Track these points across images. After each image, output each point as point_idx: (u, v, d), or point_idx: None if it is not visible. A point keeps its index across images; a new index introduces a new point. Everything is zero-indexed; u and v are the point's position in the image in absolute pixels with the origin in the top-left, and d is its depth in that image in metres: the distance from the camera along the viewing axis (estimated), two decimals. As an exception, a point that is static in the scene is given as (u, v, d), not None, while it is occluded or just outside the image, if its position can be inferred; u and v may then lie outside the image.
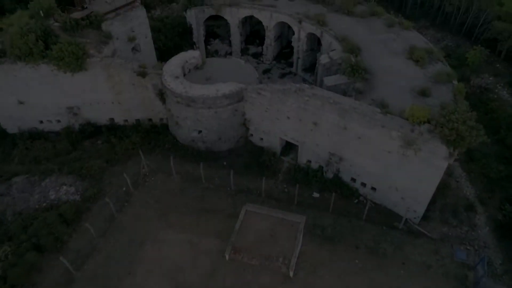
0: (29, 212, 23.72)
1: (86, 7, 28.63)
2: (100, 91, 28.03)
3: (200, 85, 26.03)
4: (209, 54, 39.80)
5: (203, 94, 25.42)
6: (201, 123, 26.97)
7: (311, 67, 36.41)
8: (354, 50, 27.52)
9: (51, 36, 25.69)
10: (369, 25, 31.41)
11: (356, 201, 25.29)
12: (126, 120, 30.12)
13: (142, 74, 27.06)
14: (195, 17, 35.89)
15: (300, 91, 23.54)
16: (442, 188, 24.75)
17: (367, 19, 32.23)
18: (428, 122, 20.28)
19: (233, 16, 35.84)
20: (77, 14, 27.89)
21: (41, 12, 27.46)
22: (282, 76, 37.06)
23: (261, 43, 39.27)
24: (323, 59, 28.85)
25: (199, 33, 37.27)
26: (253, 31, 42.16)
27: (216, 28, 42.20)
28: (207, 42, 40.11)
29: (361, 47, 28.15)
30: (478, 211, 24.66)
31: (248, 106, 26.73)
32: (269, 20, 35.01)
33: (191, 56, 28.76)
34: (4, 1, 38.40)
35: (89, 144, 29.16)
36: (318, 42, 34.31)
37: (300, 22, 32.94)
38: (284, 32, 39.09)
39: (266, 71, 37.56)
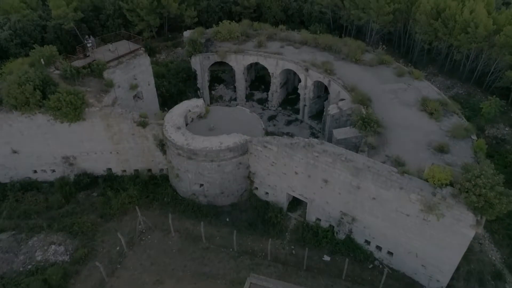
0: (12, 276, 21.55)
1: (89, 55, 28.00)
2: (98, 141, 26.72)
3: (203, 137, 24.67)
4: (213, 99, 38.99)
5: (205, 147, 23.99)
6: (203, 176, 25.36)
7: (318, 114, 35.31)
8: (365, 101, 26.37)
9: (50, 85, 24.76)
10: (378, 74, 30.53)
11: (371, 265, 23.01)
12: (124, 171, 28.58)
13: (143, 124, 25.87)
14: (199, 64, 35.34)
15: (309, 146, 22.05)
16: (465, 252, 22.57)
17: (375, 68, 31.44)
18: (451, 185, 18.55)
19: (239, 63, 35.25)
20: (78, 62, 27.19)
21: (42, 60, 26.79)
22: (288, 123, 35.86)
23: (266, 88, 38.54)
24: (332, 109, 27.68)
25: (203, 79, 36.60)
26: (258, 76, 41.61)
27: (221, 73, 41.73)
28: (211, 87, 39.42)
29: (372, 97, 27.04)
30: (507, 279, 22.28)
31: (253, 159, 25.20)
32: (275, 68, 34.34)
33: (194, 105, 27.68)
34: (10, 45, 38.25)
35: (84, 197, 27.40)
36: (325, 88, 33.44)
37: (307, 70, 32.18)
38: (290, 78, 38.42)
39: (271, 118, 36.43)
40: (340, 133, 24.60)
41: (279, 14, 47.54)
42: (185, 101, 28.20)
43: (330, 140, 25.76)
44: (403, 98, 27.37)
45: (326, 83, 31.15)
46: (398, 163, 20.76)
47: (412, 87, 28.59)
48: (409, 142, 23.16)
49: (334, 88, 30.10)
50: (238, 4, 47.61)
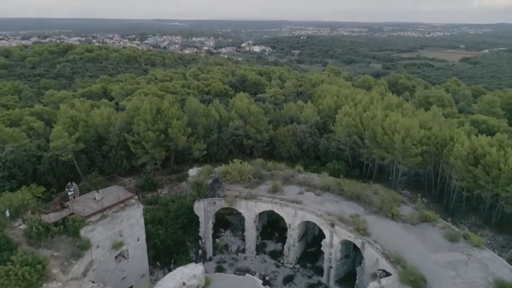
0: None
1: (67, 206, 22.91)
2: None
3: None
4: (217, 249, 32.55)
5: None
6: None
7: (347, 278, 28.20)
8: (419, 282, 19.74)
9: (4, 250, 18.99)
10: (424, 237, 24.48)
11: None
12: None
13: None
14: (203, 210, 30.11)
15: None
16: None
17: (418, 227, 25.60)
18: None
19: (250, 210, 29.94)
20: (52, 216, 21.91)
21: (7, 212, 21.67)
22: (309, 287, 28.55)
23: (281, 237, 32.40)
24: (372, 287, 20.88)
25: (206, 228, 30.87)
26: (271, 221, 35.82)
27: (227, 215, 36.20)
28: (215, 234, 33.34)
29: (425, 274, 20.47)
30: None
31: None
32: (293, 218, 28.78)
33: (191, 274, 21.19)
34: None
35: None
36: (355, 246, 27.11)
37: (332, 225, 26.43)
38: (310, 226, 32.51)
39: (288, 280, 29.30)
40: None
41: (293, 149, 44.37)
42: (180, 268, 21.78)
43: None
44: (467, 277, 20.70)
45: (358, 244, 24.98)
46: None
47: (473, 259, 22.18)
48: None
49: (371, 254, 23.77)
50: (250, 137, 45.02)
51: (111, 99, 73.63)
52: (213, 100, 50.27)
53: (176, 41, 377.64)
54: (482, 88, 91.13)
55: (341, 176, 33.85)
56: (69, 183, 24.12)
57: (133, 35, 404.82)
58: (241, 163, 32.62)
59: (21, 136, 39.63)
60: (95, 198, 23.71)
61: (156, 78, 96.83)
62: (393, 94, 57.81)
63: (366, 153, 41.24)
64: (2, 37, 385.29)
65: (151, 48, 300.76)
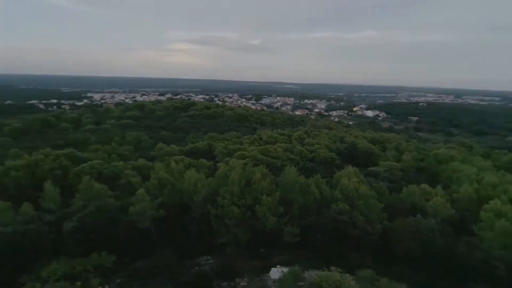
0: None
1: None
2: None
3: None
4: None
5: None
6: None
7: None
8: None
9: None
10: None
11: None
12: None
13: None
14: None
15: None
16: None
17: None
18: None
19: None
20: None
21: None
22: None
23: None
24: None
25: None
26: None
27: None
28: None
29: None
30: None
31: None
32: None
33: None
34: (69, 241, 31.91)
35: None
36: None
37: None
38: None
39: None
40: None
41: (414, 249, 33.21)
42: None
43: None
44: None
45: None
46: None
47: None
48: None
49: None
50: (357, 227, 35.52)
51: (213, 158, 72.55)
52: (314, 174, 42.81)
53: (289, 102, 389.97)
54: None
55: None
56: None
57: (250, 95, 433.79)
58: (340, 273, 23.63)
59: (107, 195, 37.87)
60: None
61: (261, 139, 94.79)
62: None
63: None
64: (144, 92, 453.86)
65: (264, 108, 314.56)
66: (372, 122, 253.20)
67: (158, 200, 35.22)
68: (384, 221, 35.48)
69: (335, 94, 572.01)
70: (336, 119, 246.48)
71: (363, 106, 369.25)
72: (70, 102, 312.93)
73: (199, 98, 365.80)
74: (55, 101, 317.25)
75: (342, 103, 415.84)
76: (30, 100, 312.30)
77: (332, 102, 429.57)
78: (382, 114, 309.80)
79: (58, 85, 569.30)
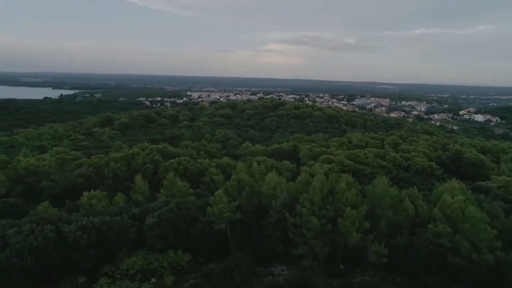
0: None
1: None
2: None
3: None
4: None
5: None
6: None
7: None
8: None
9: None
10: None
11: None
12: None
13: None
14: None
15: None
16: None
17: None
18: None
19: None
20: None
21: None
22: None
23: None
24: None
25: None
26: None
27: None
28: None
29: None
30: None
31: None
32: None
33: None
34: (149, 234, 32.88)
35: None
36: None
37: None
38: None
39: None
40: None
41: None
42: None
43: None
44: None
45: None
46: None
47: None
48: None
49: None
50: (460, 254, 29.73)
51: (298, 160, 70.39)
52: (409, 187, 37.54)
53: (384, 103, 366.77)
54: None
55: None
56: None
57: (342, 96, 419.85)
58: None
59: (189, 192, 38.41)
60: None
61: (350, 142, 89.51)
62: None
63: None
64: (237, 92, 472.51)
65: (356, 109, 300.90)
66: (482, 128, 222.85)
67: (235, 202, 34.35)
68: (498, 251, 29.05)
69: (438, 95, 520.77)
70: (438, 123, 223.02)
71: (472, 109, 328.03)
72: (172, 99, 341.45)
73: (289, 97, 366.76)
74: (159, 98, 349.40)
75: (445, 106, 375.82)
76: (139, 97, 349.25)
77: (434, 104, 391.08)
78: (495, 119, 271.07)
79: (163, 84, 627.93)
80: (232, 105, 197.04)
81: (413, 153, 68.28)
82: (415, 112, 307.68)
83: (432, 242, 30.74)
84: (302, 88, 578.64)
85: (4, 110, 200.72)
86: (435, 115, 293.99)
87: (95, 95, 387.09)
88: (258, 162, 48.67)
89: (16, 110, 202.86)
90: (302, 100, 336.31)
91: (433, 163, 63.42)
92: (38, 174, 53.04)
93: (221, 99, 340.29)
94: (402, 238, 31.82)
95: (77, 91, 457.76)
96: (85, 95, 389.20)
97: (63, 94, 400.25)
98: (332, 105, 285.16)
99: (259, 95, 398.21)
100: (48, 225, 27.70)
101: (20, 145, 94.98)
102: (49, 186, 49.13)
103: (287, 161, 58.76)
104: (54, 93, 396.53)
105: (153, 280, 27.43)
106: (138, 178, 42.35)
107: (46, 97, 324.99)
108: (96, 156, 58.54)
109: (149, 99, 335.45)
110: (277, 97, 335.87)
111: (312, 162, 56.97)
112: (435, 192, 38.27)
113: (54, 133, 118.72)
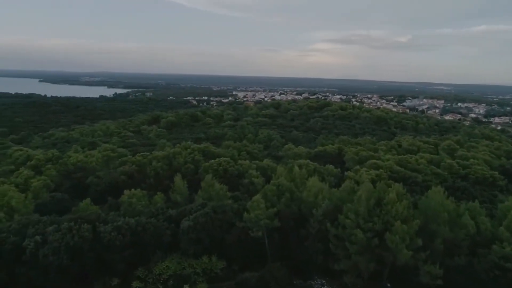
0: None
1: None
2: None
3: None
4: None
5: None
6: None
7: None
8: None
9: None
10: None
11: None
12: None
13: None
14: None
15: None
16: None
17: None
18: None
19: None
20: None
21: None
22: None
23: None
24: None
25: None
26: None
27: None
28: None
29: None
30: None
31: None
32: None
33: None
34: (184, 238, 32.02)
35: None
36: None
37: None
38: None
39: None
40: None
41: None
42: None
43: None
44: None
45: None
46: None
47: None
48: None
49: None
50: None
51: (342, 164, 66.93)
52: (469, 200, 33.43)
53: (437, 105, 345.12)
54: None
55: None
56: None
57: (392, 96, 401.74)
58: None
59: (226, 195, 37.17)
60: None
61: (400, 146, 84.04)
62: None
63: None
64: (282, 92, 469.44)
65: (407, 110, 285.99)
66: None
67: (273, 209, 32.52)
68: None
69: (500, 97, 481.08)
70: (499, 127, 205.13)
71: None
72: (218, 99, 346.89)
73: (335, 98, 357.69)
74: (205, 97, 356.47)
75: (508, 108, 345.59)
76: (187, 97, 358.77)
77: (495, 106, 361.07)
78: None
79: (210, 83, 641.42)
80: (276, 105, 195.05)
81: (472, 160, 62.08)
82: (472, 115, 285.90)
83: (498, 266, 26.85)
84: (350, 89, 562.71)
85: (65, 107, 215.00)
86: (496, 118, 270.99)
87: (146, 94, 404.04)
88: (300, 166, 46.42)
89: (75, 108, 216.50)
90: (349, 100, 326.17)
91: (496, 172, 57.09)
92: (86, 170, 54.80)
93: (266, 98, 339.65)
94: (461, 259, 28.20)
95: (130, 90, 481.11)
96: (137, 94, 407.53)
97: (117, 92, 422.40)
98: (381, 106, 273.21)
99: (305, 95, 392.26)
100: (85, 224, 27.73)
101: (75, 141, 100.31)
102: (95, 183, 50.42)
103: (331, 165, 55.73)
104: (109, 92, 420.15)
105: (186, 286, 26.40)
106: (177, 178, 41.91)
107: (102, 96, 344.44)
108: (139, 154, 59.47)
109: (196, 98, 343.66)
110: (323, 98, 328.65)
111: (358, 167, 53.53)
112: (500, 207, 33.79)
113: (106, 130, 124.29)
